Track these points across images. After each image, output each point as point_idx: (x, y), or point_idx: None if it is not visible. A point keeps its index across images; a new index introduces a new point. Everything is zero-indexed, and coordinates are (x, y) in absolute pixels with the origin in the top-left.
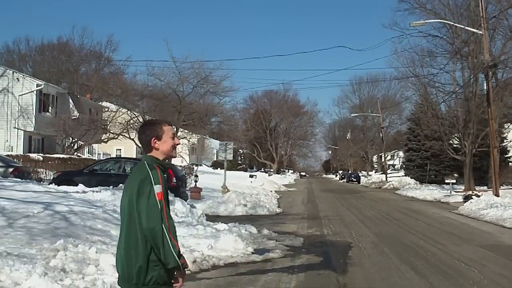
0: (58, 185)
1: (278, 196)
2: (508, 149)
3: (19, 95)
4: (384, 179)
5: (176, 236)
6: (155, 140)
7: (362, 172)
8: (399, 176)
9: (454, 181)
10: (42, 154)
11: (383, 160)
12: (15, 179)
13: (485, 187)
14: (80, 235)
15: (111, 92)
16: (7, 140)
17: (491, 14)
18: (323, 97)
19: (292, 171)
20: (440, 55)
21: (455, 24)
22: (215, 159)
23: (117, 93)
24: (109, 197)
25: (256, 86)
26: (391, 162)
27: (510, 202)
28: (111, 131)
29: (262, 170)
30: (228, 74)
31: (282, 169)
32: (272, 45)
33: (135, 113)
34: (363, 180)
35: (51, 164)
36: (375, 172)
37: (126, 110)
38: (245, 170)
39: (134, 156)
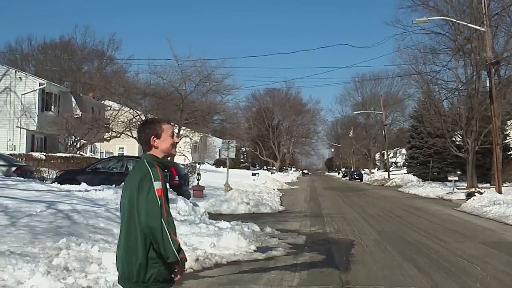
0: (61, 184)
1: (281, 194)
2: (511, 146)
3: (22, 94)
4: (386, 176)
5: (176, 232)
6: (155, 139)
7: (364, 169)
8: (401, 174)
9: (456, 178)
10: (44, 153)
11: (385, 157)
12: (18, 178)
13: (487, 184)
14: (83, 234)
15: (113, 90)
16: (10, 139)
17: (494, 11)
18: (326, 95)
19: (294, 169)
20: (442, 52)
21: (457, 21)
22: (217, 157)
23: (119, 91)
24: (112, 196)
25: (258, 84)
26: (393, 160)
27: None
28: (114, 130)
29: (265, 168)
30: (230, 72)
31: (284, 167)
32: (274, 43)
33: (137, 111)
34: (365, 177)
35: (53, 163)
36: (377, 170)
37: (128, 108)
38: (248, 168)
39: (137, 155)
